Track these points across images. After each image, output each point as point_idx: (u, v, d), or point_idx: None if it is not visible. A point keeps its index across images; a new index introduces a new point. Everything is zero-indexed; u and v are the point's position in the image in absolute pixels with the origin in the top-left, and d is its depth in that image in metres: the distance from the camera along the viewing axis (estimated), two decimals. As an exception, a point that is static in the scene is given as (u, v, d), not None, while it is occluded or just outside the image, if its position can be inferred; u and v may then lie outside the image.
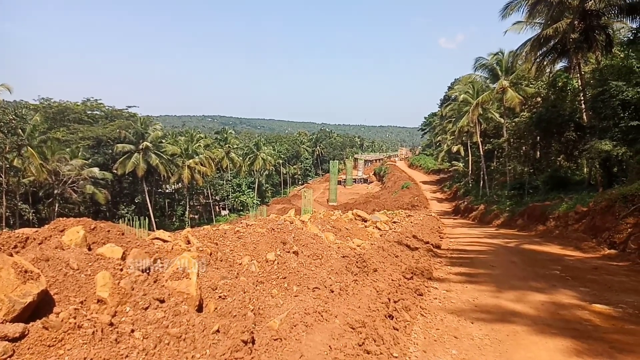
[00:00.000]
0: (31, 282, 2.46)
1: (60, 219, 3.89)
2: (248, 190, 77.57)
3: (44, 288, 2.54)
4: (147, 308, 2.98)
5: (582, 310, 5.77)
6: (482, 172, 40.17)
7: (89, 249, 3.50)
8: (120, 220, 5.21)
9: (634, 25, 21.28)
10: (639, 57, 17.66)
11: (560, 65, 27.02)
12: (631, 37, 20.50)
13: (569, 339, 4.64)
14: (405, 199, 45.55)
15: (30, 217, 40.52)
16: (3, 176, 36.48)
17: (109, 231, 3.93)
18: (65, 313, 2.54)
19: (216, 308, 3.53)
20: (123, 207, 53.22)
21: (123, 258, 3.43)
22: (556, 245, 13.21)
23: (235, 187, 76.35)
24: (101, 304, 2.83)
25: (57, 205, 42.13)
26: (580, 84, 23.80)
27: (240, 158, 76.54)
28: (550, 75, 27.31)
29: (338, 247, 7.48)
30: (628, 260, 9.90)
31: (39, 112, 49.59)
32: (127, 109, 63.47)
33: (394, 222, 15.36)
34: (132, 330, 2.72)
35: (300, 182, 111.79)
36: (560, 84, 25.44)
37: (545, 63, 25.93)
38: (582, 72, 23.61)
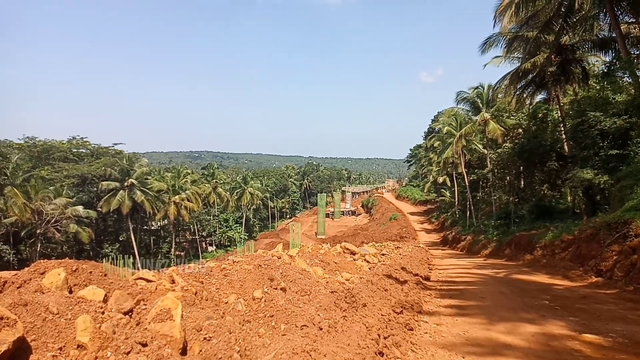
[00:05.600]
0: (7, 329, 2.38)
1: (41, 261, 3.81)
2: (235, 225, 76.98)
3: (21, 335, 2.45)
4: (129, 352, 2.89)
5: (573, 340, 5.73)
6: (468, 203, 40.57)
7: (70, 292, 3.41)
8: (104, 260, 5.10)
9: (607, 59, 22.28)
10: (614, 89, 18.35)
11: (539, 97, 27.99)
12: (605, 70, 21.38)
13: (560, 371, 4.59)
14: (393, 231, 45.54)
15: (11, 259, 39.39)
16: (-16, 217, 35.71)
17: (91, 272, 3.85)
18: (42, 361, 2.45)
19: (201, 350, 3.43)
20: (107, 245, 52.22)
21: (105, 300, 3.35)
22: (544, 275, 13.23)
23: (222, 223, 75.70)
24: (81, 350, 2.73)
25: (39, 245, 41.15)
26: (559, 114, 24.56)
27: (228, 193, 76.43)
28: (531, 107, 28.14)
29: (326, 282, 7.39)
30: (615, 287, 9.94)
31: (23, 150, 49.17)
32: (113, 146, 63.31)
33: (383, 255, 15.28)
34: (113, 377, 2.63)
35: (288, 216, 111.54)
36: (540, 115, 26.19)
37: (524, 95, 26.83)
38: (561, 104, 24.41)
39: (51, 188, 43.59)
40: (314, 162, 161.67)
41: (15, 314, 2.60)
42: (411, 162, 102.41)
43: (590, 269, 12.08)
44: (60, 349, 2.68)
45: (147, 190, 52.62)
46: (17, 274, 3.55)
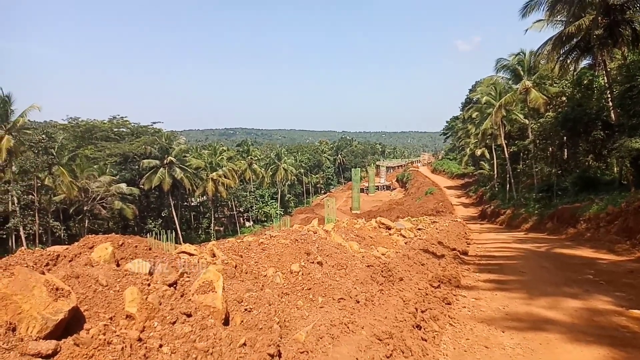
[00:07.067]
0: (62, 300, 2.52)
1: (89, 236, 4.00)
2: (271, 201, 78.14)
3: (75, 305, 2.59)
4: (174, 322, 3.01)
5: (619, 316, 5.55)
6: (508, 175, 39.37)
7: (117, 265, 3.57)
8: (147, 235, 5.31)
9: (661, 18, 20.66)
10: (668, 51, 17.12)
11: (584, 62, 26.41)
12: (659, 31, 19.90)
13: (606, 347, 4.46)
14: (429, 205, 45.02)
15: (62, 234, 41.65)
16: (35, 195, 37.74)
17: (136, 247, 4.01)
18: (95, 329, 2.59)
19: (242, 321, 3.54)
20: (150, 221, 54.22)
21: (150, 273, 3.49)
22: (588, 249, 12.79)
23: (258, 198, 76.94)
24: (130, 320, 2.87)
25: (87, 221, 43.25)
26: (606, 81, 23.17)
27: (263, 169, 77.36)
28: (575, 73, 26.67)
29: (362, 257, 7.42)
30: (666, 262, 9.51)
31: (67, 131, 51.25)
32: (152, 125, 65.06)
33: (419, 229, 15.17)
34: (160, 345, 2.75)
35: (322, 191, 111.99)
36: (585, 82, 24.82)
37: (568, 61, 25.35)
38: (608, 69, 22.98)
39: (95, 167, 45.48)
40: (348, 137, 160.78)
41: (69, 286, 2.75)
42: (447, 135, 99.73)
43: (638, 242, 11.58)
44: (111, 318, 2.82)
45: (186, 168, 53.95)
46: (68, 248, 3.74)
